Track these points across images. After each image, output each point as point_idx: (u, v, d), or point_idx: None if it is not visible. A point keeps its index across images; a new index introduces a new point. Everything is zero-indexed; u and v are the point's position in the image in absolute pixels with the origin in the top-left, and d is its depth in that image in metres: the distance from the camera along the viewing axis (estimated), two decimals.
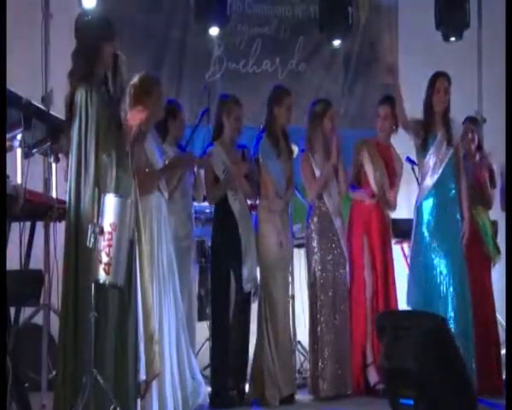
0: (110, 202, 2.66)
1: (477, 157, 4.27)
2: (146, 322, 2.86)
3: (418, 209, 3.90)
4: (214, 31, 5.03)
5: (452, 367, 2.57)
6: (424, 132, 3.85)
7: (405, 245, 4.83)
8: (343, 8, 5.22)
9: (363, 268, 4.07)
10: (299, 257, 4.45)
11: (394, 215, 4.50)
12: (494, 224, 4.38)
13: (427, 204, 3.84)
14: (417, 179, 4.43)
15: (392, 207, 4.25)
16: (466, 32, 5.34)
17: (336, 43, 5.41)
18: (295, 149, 4.21)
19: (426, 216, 3.84)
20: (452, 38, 5.31)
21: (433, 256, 3.75)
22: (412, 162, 4.52)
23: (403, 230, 4.52)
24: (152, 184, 3.29)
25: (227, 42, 5.25)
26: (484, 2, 5.58)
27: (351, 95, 5.56)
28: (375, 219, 4.15)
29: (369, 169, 4.18)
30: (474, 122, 4.35)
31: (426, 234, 3.81)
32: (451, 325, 3.42)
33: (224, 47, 5.23)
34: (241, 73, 5.31)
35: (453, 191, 3.85)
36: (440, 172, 3.81)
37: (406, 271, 4.61)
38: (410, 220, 4.66)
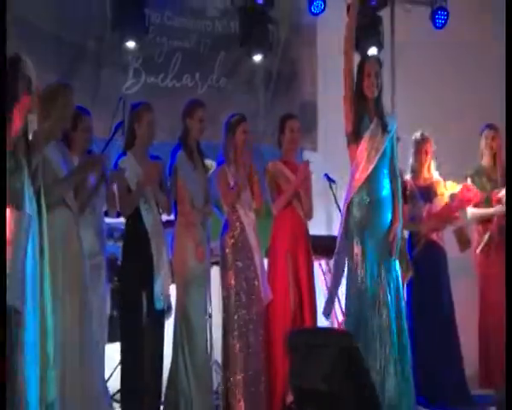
0: (8, 215, 2.54)
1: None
2: (42, 344, 2.74)
3: (348, 207, 3.55)
4: (131, 42, 4.91)
5: (362, 387, 2.58)
6: (356, 119, 3.47)
7: (323, 262, 4.88)
8: (263, 25, 5.22)
9: (287, 286, 4.05)
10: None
11: (313, 232, 4.52)
12: (403, 239, 4.40)
13: (357, 200, 3.49)
14: (335, 197, 4.54)
15: (309, 215, 4.22)
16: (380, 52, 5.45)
17: (257, 59, 5.40)
18: (213, 164, 4.19)
19: (356, 214, 3.50)
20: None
21: (364, 260, 3.46)
22: (330, 180, 4.59)
23: (321, 246, 4.52)
24: (55, 195, 3.18)
25: (145, 54, 5.12)
26: (396, 25, 5.73)
27: (272, 111, 5.52)
28: (299, 235, 4.14)
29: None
30: None
31: (355, 235, 3.48)
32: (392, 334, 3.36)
33: (142, 59, 5.10)
34: (160, 86, 5.21)
35: (387, 189, 3.50)
36: (375, 163, 3.44)
37: (324, 288, 4.71)
38: (329, 237, 4.68)
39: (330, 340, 2.57)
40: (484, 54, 5.66)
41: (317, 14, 5.38)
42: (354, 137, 3.46)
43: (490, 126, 4.58)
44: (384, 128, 3.46)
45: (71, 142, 3.69)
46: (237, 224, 4.06)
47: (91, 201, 3.64)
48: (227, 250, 4.05)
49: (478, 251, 4.44)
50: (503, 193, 4.40)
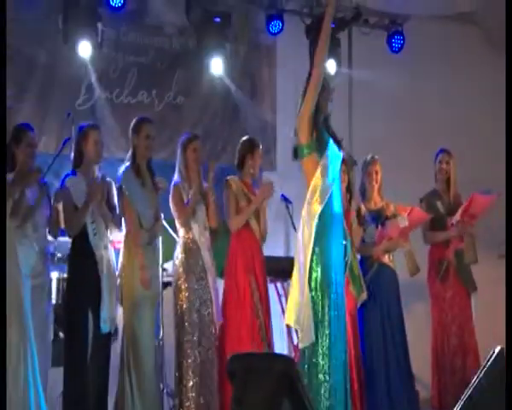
0: None
1: (347, 198, 4.31)
2: None
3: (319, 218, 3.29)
4: (85, 56, 4.83)
5: None
6: (318, 131, 3.28)
7: (279, 284, 4.84)
8: (221, 43, 5.21)
9: (251, 307, 4.03)
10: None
11: (270, 253, 4.53)
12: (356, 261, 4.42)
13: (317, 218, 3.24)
14: (291, 218, 4.55)
15: (264, 237, 4.20)
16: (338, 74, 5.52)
17: (216, 73, 5.33)
18: (165, 181, 4.16)
19: (315, 231, 3.25)
20: None
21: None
22: (287, 200, 4.63)
23: (278, 268, 4.52)
24: None
25: (99, 69, 5.06)
26: (354, 48, 5.82)
27: (231, 129, 5.55)
28: (256, 255, 4.14)
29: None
30: (344, 163, 4.36)
31: (316, 248, 3.23)
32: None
33: (96, 74, 5.04)
34: (115, 102, 5.15)
35: (339, 207, 3.36)
36: (334, 184, 3.28)
37: (279, 310, 4.69)
38: (285, 259, 4.67)
39: (270, 365, 2.54)
40: (440, 80, 5.76)
41: (275, 34, 5.43)
42: (315, 145, 3.30)
43: (443, 151, 4.61)
44: (338, 145, 3.42)
45: (14, 157, 3.64)
46: (191, 243, 4.03)
47: (31, 217, 3.56)
48: (180, 270, 4.00)
49: (438, 277, 4.45)
50: (457, 219, 4.45)
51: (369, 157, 4.56)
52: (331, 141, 3.34)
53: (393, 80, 5.52)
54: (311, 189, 3.28)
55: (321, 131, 3.33)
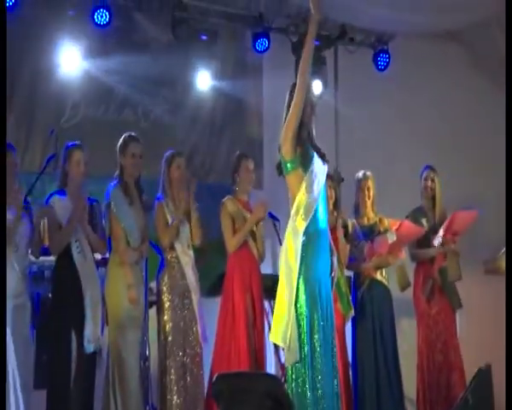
0: None
1: (334, 214, 4.36)
2: None
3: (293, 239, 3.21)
4: (70, 72, 4.84)
5: None
6: (302, 145, 3.24)
7: (265, 302, 4.66)
8: (207, 60, 5.26)
9: (246, 326, 4.02)
10: None
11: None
12: (348, 280, 4.48)
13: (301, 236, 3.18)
14: (278, 236, 4.47)
15: (263, 257, 4.22)
16: (324, 92, 5.56)
17: (202, 91, 5.37)
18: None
19: (300, 248, 3.19)
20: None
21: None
22: (274, 218, 4.56)
23: (265, 286, 4.46)
24: None
25: (85, 86, 5.05)
26: (340, 66, 5.82)
27: (218, 146, 5.56)
28: (254, 276, 4.13)
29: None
30: (331, 179, 4.44)
31: (302, 266, 3.19)
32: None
33: (81, 91, 5.03)
34: (101, 120, 5.13)
35: (325, 223, 3.30)
36: (318, 200, 3.23)
37: (266, 327, 4.56)
38: (273, 277, 4.64)
39: (256, 384, 2.54)
40: (426, 97, 5.76)
41: (261, 52, 5.43)
42: (302, 161, 3.26)
43: (428, 168, 4.63)
44: (323, 159, 3.36)
45: None
46: (175, 262, 4.02)
47: (10, 238, 3.54)
48: (164, 290, 3.99)
49: (424, 295, 4.46)
50: (439, 236, 4.46)
51: (361, 173, 4.56)
52: (316, 156, 3.32)
53: (379, 98, 5.56)
54: (295, 204, 3.25)
55: (305, 146, 3.30)
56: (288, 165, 3.27)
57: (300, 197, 3.24)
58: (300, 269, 3.19)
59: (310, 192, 3.24)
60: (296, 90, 3.24)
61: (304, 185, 3.24)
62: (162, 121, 5.39)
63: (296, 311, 3.16)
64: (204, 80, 5.33)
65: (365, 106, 5.46)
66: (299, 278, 3.19)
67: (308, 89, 3.30)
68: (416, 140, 5.65)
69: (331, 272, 3.34)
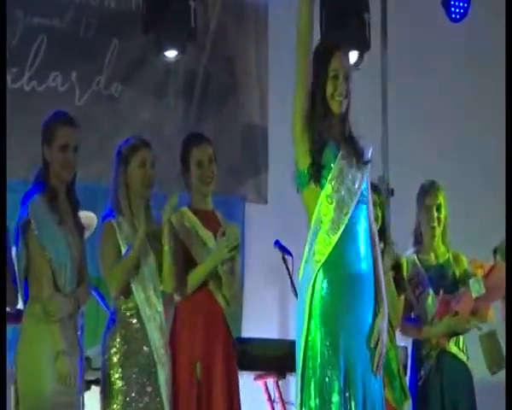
0: None
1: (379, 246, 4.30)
2: None
3: (304, 286, 3.33)
4: None
5: None
6: (317, 146, 3.36)
7: (270, 381, 4.87)
8: (181, 4, 5.23)
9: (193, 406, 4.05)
10: None
11: (254, 333, 4.74)
12: (402, 352, 4.58)
13: (320, 280, 3.30)
14: (290, 276, 4.53)
15: (234, 304, 4.21)
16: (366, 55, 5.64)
17: (170, 55, 5.40)
18: (94, 218, 4.27)
19: (318, 302, 3.30)
20: None
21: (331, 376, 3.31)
22: (284, 250, 4.57)
23: (268, 357, 4.60)
24: None
25: None
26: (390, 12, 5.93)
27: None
28: (217, 335, 4.12)
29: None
30: (376, 192, 4.35)
31: (318, 333, 3.30)
32: None
33: None
34: (11, 88, 5.11)
35: (366, 261, 3.37)
36: (348, 217, 3.32)
37: None
38: (281, 343, 4.81)
39: None
40: None
41: None
42: (314, 173, 3.35)
43: None
44: (358, 158, 3.39)
45: None
46: (132, 318, 4.01)
47: None
48: (113, 362, 3.97)
49: None
50: None
51: (426, 182, 4.60)
52: (339, 157, 3.37)
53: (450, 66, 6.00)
54: (314, 217, 3.33)
55: (323, 145, 3.37)
56: (302, 176, 3.38)
57: (317, 217, 3.33)
58: (319, 336, 3.25)
59: (335, 207, 3.33)
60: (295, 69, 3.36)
61: (318, 208, 3.34)
62: (109, 93, 5.43)
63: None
64: (175, 32, 5.36)
65: (430, 75, 5.62)
66: (309, 349, 3.28)
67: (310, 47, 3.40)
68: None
69: (372, 340, 3.34)
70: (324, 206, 3.31)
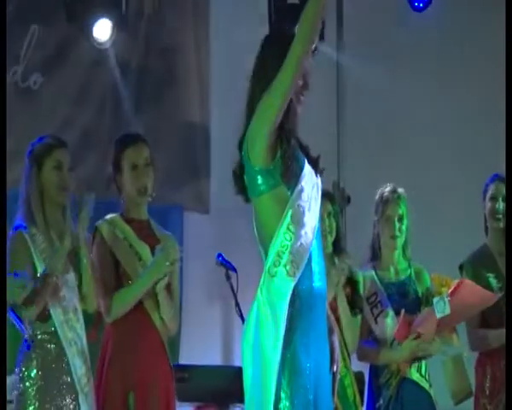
0: None
1: (334, 262, 4.36)
2: None
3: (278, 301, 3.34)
4: None
5: None
6: (291, 149, 3.35)
7: None
8: None
9: None
10: None
11: (196, 360, 4.81)
12: (358, 377, 4.57)
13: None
14: (235, 295, 4.50)
15: (172, 327, 4.22)
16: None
17: (98, 44, 5.46)
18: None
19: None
20: None
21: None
22: (227, 265, 4.52)
23: (211, 387, 4.72)
24: None
25: None
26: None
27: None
28: (155, 361, 4.14)
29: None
30: (330, 201, 4.44)
31: (296, 349, 3.30)
32: None
33: None
34: None
35: (323, 280, 3.39)
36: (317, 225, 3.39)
37: None
38: (225, 370, 4.71)
39: None
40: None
41: None
42: (280, 172, 3.32)
43: (497, 178, 4.70)
44: (316, 165, 3.42)
45: None
46: (49, 343, 4.02)
47: None
48: (29, 394, 4.01)
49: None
50: None
51: (387, 190, 4.60)
52: (306, 163, 3.39)
53: (414, 56, 5.95)
54: (274, 248, 3.32)
55: (291, 145, 3.36)
56: (260, 179, 3.32)
57: (281, 237, 3.31)
58: (284, 357, 3.26)
59: (299, 227, 3.31)
60: (288, 59, 3.27)
61: (288, 215, 3.30)
62: (28, 86, 5.55)
63: None
64: (104, 15, 5.49)
65: (390, 69, 5.70)
66: (280, 372, 3.27)
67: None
68: (473, 132, 5.88)
69: (332, 365, 3.38)
70: (288, 229, 3.28)
